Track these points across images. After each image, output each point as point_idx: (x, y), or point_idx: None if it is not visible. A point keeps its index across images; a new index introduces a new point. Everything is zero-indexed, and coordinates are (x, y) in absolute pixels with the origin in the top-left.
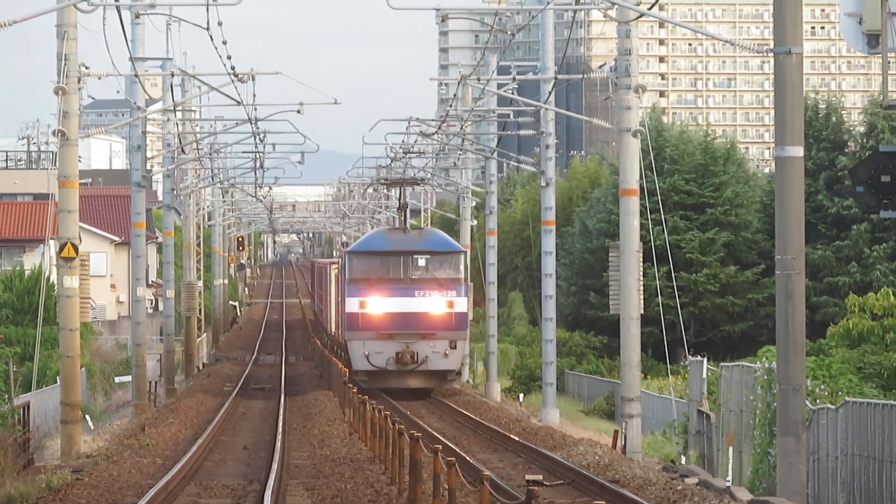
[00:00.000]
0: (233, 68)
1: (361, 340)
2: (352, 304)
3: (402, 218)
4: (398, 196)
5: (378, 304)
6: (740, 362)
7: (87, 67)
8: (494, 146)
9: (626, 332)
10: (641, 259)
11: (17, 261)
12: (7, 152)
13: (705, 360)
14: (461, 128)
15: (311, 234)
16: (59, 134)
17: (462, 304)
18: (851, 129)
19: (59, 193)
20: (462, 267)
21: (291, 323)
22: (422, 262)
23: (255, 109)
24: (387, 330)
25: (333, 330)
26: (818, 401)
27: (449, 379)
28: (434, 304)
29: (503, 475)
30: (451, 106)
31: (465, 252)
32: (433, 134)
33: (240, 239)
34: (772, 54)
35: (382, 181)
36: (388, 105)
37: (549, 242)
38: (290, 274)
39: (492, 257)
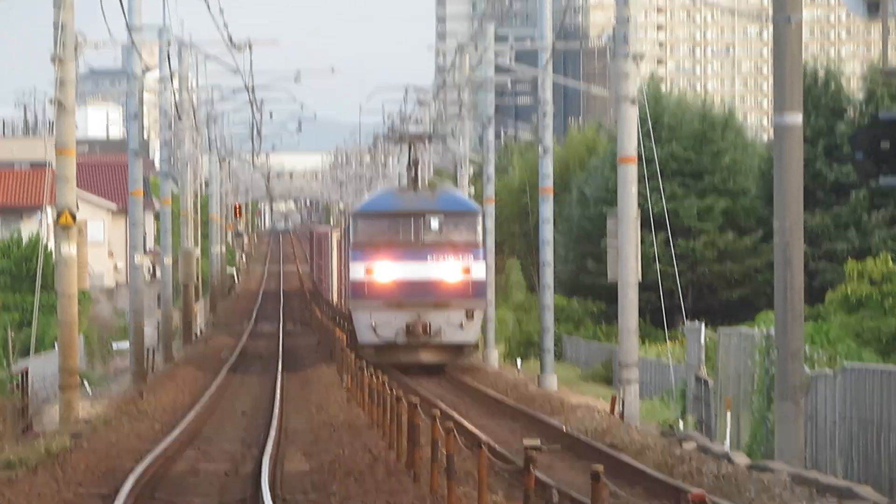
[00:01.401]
0: (230, 37)
1: (368, 311)
2: (357, 271)
3: (413, 176)
4: (408, 153)
5: (386, 271)
6: (738, 328)
7: (84, 36)
8: (492, 114)
9: (624, 298)
10: (639, 226)
11: (14, 228)
12: (4, 120)
13: (703, 326)
14: (458, 96)
15: (308, 202)
16: (56, 102)
17: (480, 270)
18: (850, 96)
19: (57, 161)
20: (479, 228)
21: (289, 290)
22: (435, 223)
23: (253, 78)
24: (396, 299)
25: (336, 299)
26: (816, 366)
27: (465, 353)
28: (448, 269)
29: (501, 441)
30: (448, 74)
31: (483, 212)
32: (430, 102)
33: (237, 206)
34: (771, 22)
35: (391, 136)
36: (385, 74)
37: (546, 210)
38: (287, 241)
39: (489, 225)
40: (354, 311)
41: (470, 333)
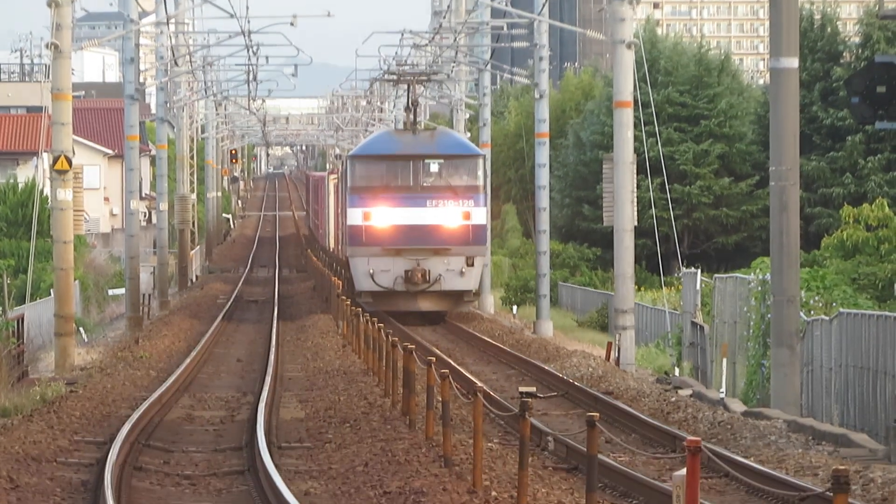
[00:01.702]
0: None
1: (365, 257)
2: (354, 216)
3: (412, 118)
4: (407, 93)
5: (384, 216)
6: (734, 274)
7: None
8: (488, 59)
9: (620, 244)
10: (635, 171)
11: (10, 174)
12: (0, 65)
13: (699, 271)
14: (454, 40)
15: (304, 147)
16: (53, 47)
17: (480, 216)
18: (846, 39)
19: (53, 106)
20: (480, 173)
21: (285, 236)
22: (434, 167)
23: (249, 22)
24: (394, 245)
25: (332, 246)
26: (812, 312)
27: (465, 300)
28: (448, 215)
29: (497, 387)
30: (444, 18)
31: (484, 156)
32: (426, 46)
33: (233, 152)
34: None
35: (389, 76)
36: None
37: (542, 155)
38: (283, 187)
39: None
40: (351, 258)
41: (470, 281)
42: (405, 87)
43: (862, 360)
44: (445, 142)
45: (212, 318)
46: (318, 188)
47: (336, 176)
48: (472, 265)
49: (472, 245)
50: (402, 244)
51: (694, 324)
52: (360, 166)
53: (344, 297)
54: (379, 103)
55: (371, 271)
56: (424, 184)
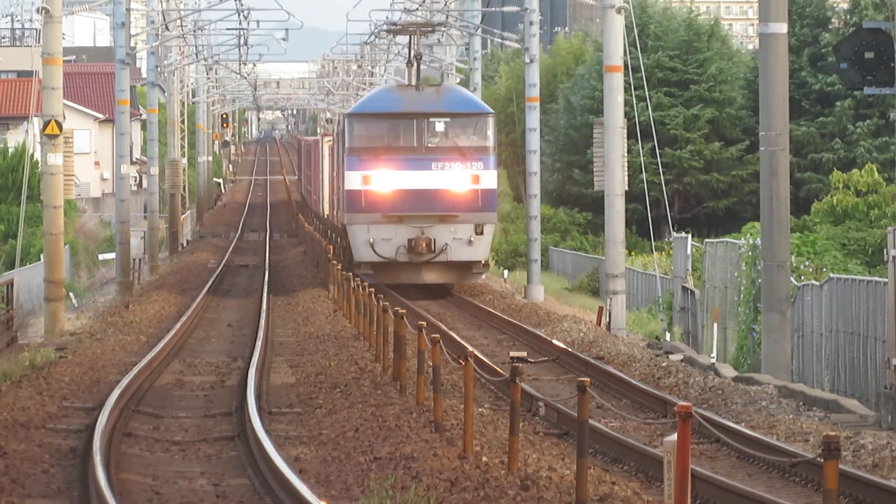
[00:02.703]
0: None
1: (365, 225)
2: (353, 180)
3: (416, 73)
4: (409, 45)
5: (386, 180)
6: (725, 238)
7: None
8: (478, 23)
9: (611, 208)
10: (626, 135)
11: (1, 138)
12: None
13: (690, 236)
14: (445, 4)
15: (295, 111)
16: (43, 11)
17: (490, 179)
18: (835, 5)
19: (43, 71)
20: (490, 133)
21: (276, 200)
22: (440, 126)
23: None
24: (396, 211)
25: (327, 213)
26: (802, 277)
27: (474, 272)
28: (455, 178)
29: (488, 352)
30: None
31: (494, 114)
32: (416, 10)
33: (224, 116)
34: None
35: (390, 27)
36: None
37: (533, 119)
38: (274, 151)
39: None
40: (350, 226)
41: (479, 250)
42: (398, 53)
43: (852, 326)
44: (452, 98)
45: (202, 283)
46: (312, 152)
47: (331, 138)
48: (482, 233)
49: (482, 211)
50: (404, 210)
51: (685, 289)
52: (360, 125)
53: (335, 263)
54: (370, 67)
55: (371, 240)
56: (429, 144)
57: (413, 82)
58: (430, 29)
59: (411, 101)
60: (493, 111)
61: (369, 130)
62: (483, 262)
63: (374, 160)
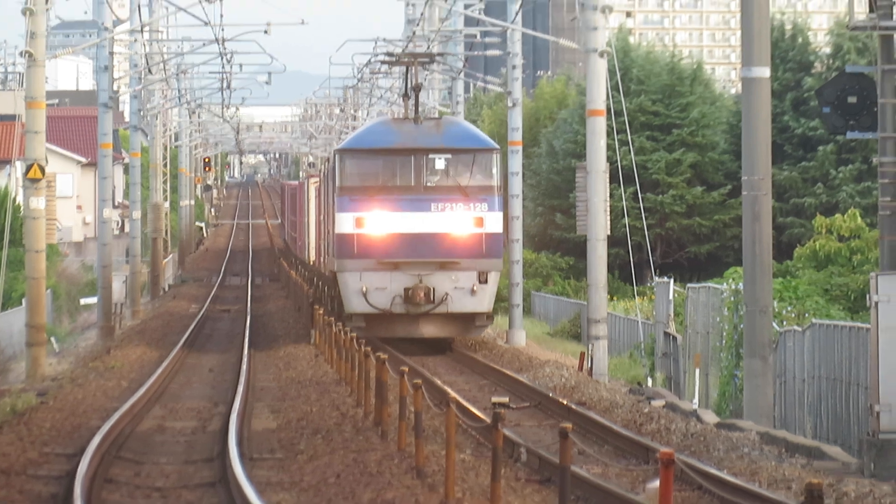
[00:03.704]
0: None
1: (357, 272)
2: (344, 223)
3: (414, 105)
4: (405, 77)
5: (380, 222)
6: (707, 283)
7: None
8: (461, 66)
9: (593, 252)
10: (608, 180)
11: None
12: None
13: (672, 281)
14: (428, 48)
15: (277, 155)
16: (27, 55)
17: (496, 222)
18: (817, 50)
19: (27, 114)
20: (495, 171)
21: (258, 244)
22: (440, 162)
23: (223, 30)
24: (392, 257)
25: (313, 259)
26: (785, 322)
27: (477, 325)
28: (457, 221)
29: (470, 398)
30: (418, 26)
31: (499, 150)
32: (400, 54)
33: (206, 160)
34: None
35: (385, 58)
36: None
37: (515, 163)
38: (256, 195)
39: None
40: (340, 273)
41: (483, 300)
42: (380, 97)
43: (835, 372)
44: (454, 133)
45: (184, 328)
46: (296, 196)
47: (318, 179)
48: (486, 282)
49: (486, 258)
50: (401, 256)
51: (667, 334)
52: (352, 162)
53: (317, 307)
54: (353, 111)
55: (364, 289)
56: (429, 183)
57: (411, 115)
58: (428, 59)
59: (409, 136)
60: (498, 147)
61: (362, 168)
62: (487, 313)
63: (367, 201)
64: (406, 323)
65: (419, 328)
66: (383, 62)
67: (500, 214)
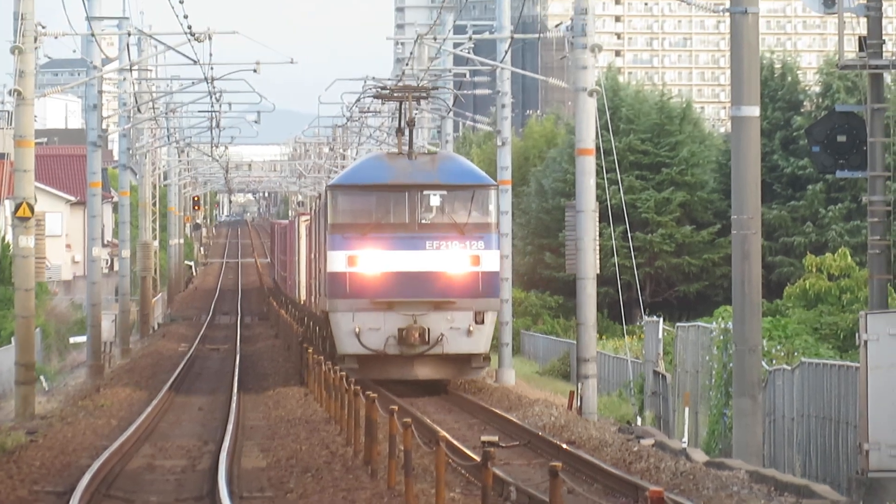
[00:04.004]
0: (189, 28)
1: (349, 312)
2: (336, 261)
3: (408, 140)
4: (398, 112)
5: (373, 261)
6: (696, 322)
7: (43, 27)
8: (450, 105)
9: (582, 291)
10: (597, 219)
11: None
12: None
13: (661, 320)
14: (417, 86)
15: (266, 194)
16: (16, 93)
17: (492, 260)
18: (807, 88)
19: (15, 153)
20: (493, 207)
21: (247, 283)
22: (436, 199)
23: (212, 69)
24: (386, 297)
25: (304, 298)
26: (774, 361)
27: (474, 366)
28: (453, 259)
29: (459, 436)
30: (407, 65)
31: (497, 186)
32: (389, 93)
33: (195, 198)
34: (728, 14)
35: (378, 93)
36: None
37: (504, 202)
38: (245, 234)
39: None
40: (332, 313)
41: (480, 341)
42: (370, 136)
43: (824, 410)
44: (449, 168)
45: (173, 366)
46: (286, 235)
47: (309, 217)
48: (483, 322)
49: (483, 297)
50: (395, 295)
51: (656, 373)
52: (344, 199)
53: (306, 346)
54: (342, 150)
55: (356, 330)
56: (423, 220)
57: (405, 150)
58: (422, 94)
59: (403, 172)
60: (495, 183)
61: (355, 205)
62: (484, 354)
63: (360, 238)
64: (400, 365)
65: (414, 370)
66: (376, 97)
67: (498, 252)
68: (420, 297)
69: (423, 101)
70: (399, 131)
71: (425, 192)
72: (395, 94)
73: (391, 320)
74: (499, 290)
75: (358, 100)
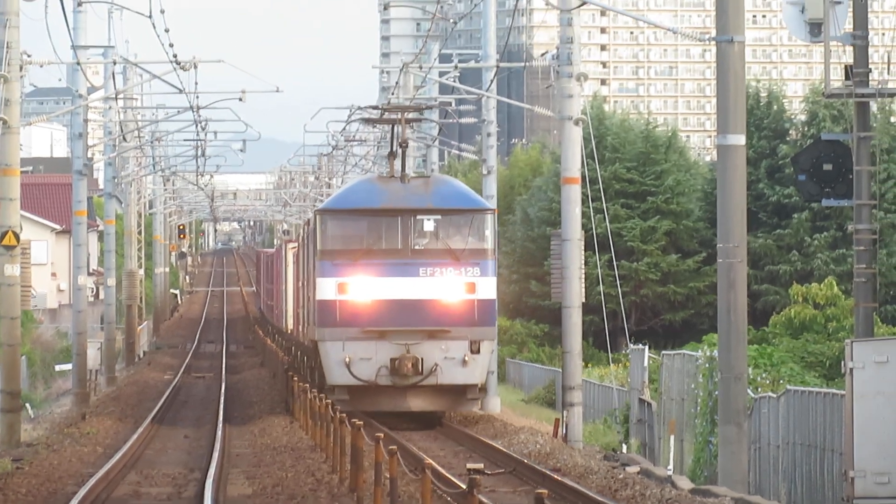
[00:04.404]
0: (175, 56)
1: (339, 341)
2: (325, 288)
3: (401, 163)
4: (391, 133)
5: (365, 288)
6: (682, 350)
7: (29, 55)
8: (436, 134)
9: (568, 320)
10: (583, 247)
11: None
12: None
13: (647, 348)
14: (403, 116)
15: (252, 223)
16: (1, 122)
17: (489, 288)
18: (793, 117)
19: (1, 182)
20: (489, 232)
21: (232, 311)
22: (430, 224)
23: (197, 97)
24: (377, 325)
25: (291, 327)
26: (759, 389)
27: (469, 398)
28: (448, 286)
29: (445, 464)
30: (392, 94)
31: (494, 211)
32: (375, 121)
33: (181, 227)
34: (714, 42)
35: (370, 115)
36: (329, 93)
37: None
38: (231, 262)
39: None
40: (321, 342)
41: (475, 372)
42: (355, 165)
43: (809, 438)
44: (444, 192)
45: (159, 394)
46: (272, 263)
47: (296, 244)
48: (478, 351)
49: (479, 326)
50: (387, 324)
51: (641, 400)
52: (334, 224)
53: (291, 373)
54: (327, 179)
55: (347, 359)
56: (417, 246)
57: (397, 174)
58: (418, 114)
59: (396, 196)
60: (492, 207)
61: (346, 230)
62: (479, 385)
63: (350, 265)
64: (392, 396)
65: (406, 401)
66: (366, 121)
67: (494, 280)
68: (413, 325)
69: (407, 130)
70: (391, 154)
71: (419, 217)
72: (388, 116)
73: (383, 350)
74: (495, 318)
75: (344, 128)
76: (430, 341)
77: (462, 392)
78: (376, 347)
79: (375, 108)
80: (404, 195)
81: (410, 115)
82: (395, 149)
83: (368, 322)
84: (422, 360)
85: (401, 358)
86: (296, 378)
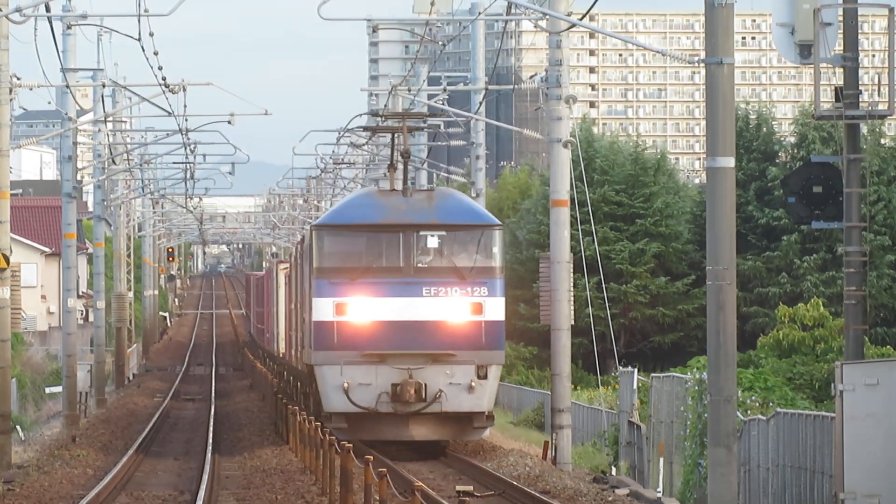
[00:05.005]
0: (164, 79)
1: (337, 366)
2: (322, 309)
3: (403, 175)
4: (391, 144)
5: (364, 309)
6: (671, 373)
7: (18, 78)
8: (425, 157)
9: (557, 342)
10: (572, 270)
11: None
12: None
13: (636, 370)
14: (392, 138)
15: (241, 246)
16: None
17: (497, 309)
18: (782, 139)
19: None
20: (497, 250)
21: (222, 334)
22: (433, 241)
23: (186, 120)
24: (378, 349)
25: (283, 351)
26: (749, 412)
27: (476, 426)
28: (453, 307)
29: (434, 486)
30: (381, 117)
31: (502, 226)
32: (364, 145)
33: (170, 250)
34: (703, 65)
35: (368, 126)
36: (318, 115)
37: None
38: (220, 285)
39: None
40: (318, 367)
41: (483, 398)
42: (344, 188)
43: (799, 460)
44: (449, 206)
45: (149, 417)
46: (262, 286)
47: (288, 265)
48: (485, 377)
49: (486, 349)
50: (388, 347)
51: (631, 423)
52: (331, 240)
53: (281, 396)
54: (316, 202)
55: (345, 385)
56: (420, 264)
57: (398, 186)
58: (422, 122)
59: (397, 210)
60: (500, 223)
61: (343, 247)
62: (487, 413)
63: (349, 284)
64: (394, 424)
65: (409, 430)
66: (366, 129)
67: (503, 300)
68: (416, 349)
69: (396, 153)
70: (391, 166)
71: (422, 233)
72: (389, 124)
73: (384, 375)
74: (503, 341)
75: (334, 151)
76: (434, 366)
77: (468, 420)
78: (376, 372)
79: (376, 113)
80: (406, 209)
81: (412, 123)
82: (395, 160)
83: (368, 345)
84: (425, 385)
85: (403, 383)
86: (284, 400)
